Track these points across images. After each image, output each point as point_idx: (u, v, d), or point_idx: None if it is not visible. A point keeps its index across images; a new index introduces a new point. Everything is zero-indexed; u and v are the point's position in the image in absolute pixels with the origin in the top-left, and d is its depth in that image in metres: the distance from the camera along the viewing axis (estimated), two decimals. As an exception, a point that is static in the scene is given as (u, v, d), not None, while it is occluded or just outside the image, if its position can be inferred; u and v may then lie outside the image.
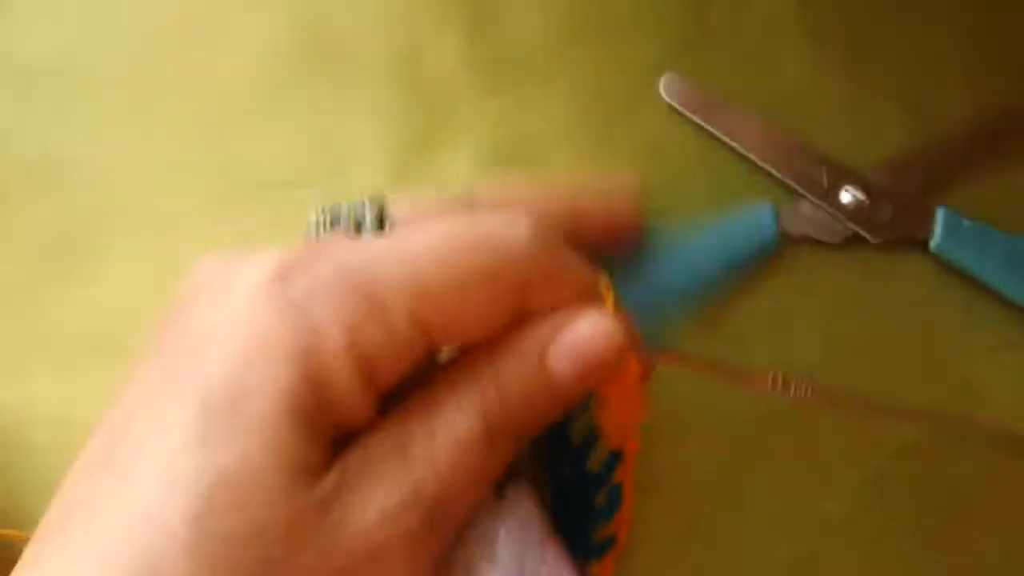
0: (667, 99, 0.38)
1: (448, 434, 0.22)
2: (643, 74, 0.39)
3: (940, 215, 0.35)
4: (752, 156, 0.37)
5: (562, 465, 0.27)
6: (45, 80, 0.39)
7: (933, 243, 0.35)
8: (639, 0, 0.40)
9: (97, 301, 0.36)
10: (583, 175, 0.36)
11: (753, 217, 0.36)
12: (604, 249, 0.29)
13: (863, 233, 0.36)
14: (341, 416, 0.21)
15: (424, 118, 0.38)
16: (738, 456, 0.34)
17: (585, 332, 0.24)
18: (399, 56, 0.39)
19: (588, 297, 0.25)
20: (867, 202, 0.36)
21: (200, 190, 0.38)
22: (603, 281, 0.25)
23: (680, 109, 0.38)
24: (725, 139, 0.37)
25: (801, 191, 0.36)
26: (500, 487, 0.25)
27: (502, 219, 0.24)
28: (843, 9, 0.40)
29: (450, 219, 0.24)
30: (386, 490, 0.21)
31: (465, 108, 0.38)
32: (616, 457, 0.27)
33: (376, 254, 0.23)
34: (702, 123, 0.38)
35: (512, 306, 0.23)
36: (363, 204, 0.26)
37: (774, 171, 0.37)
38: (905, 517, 0.34)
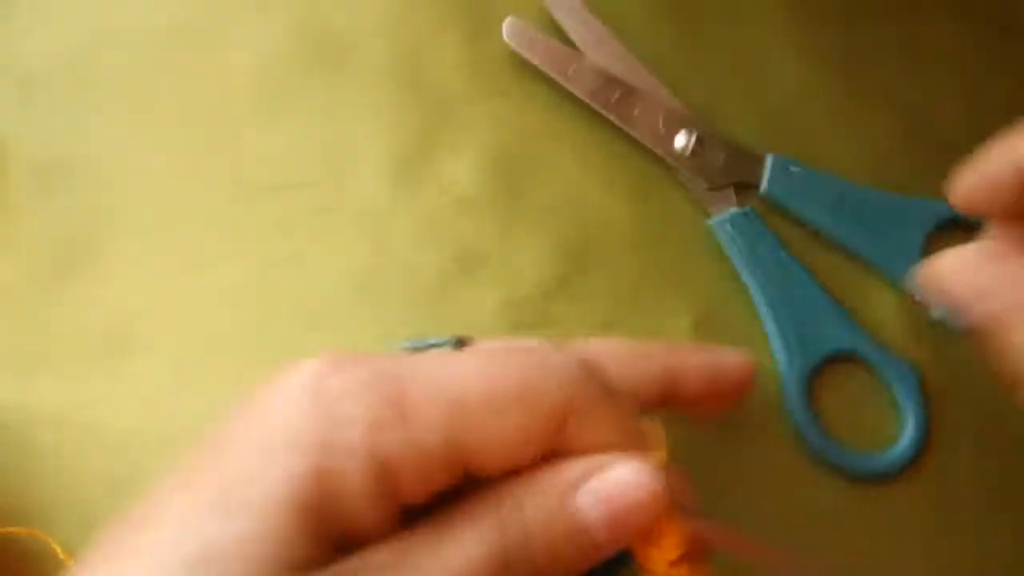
0: (510, 44, 0.38)
1: (455, 558, 0.21)
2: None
3: (769, 161, 0.37)
4: (591, 103, 0.38)
5: None
6: (49, 82, 0.39)
7: (762, 188, 0.37)
8: (635, 2, 0.40)
9: (101, 302, 0.37)
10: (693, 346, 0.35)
11: None
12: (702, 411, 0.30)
13: (695, 178, 0.37)
14: (351, 519, 0.21)
15: (425, 119, 0.38)
16: (734, 452, 0.34)
17: (620, 476, 0.23)
18: (400, 58, 0.39)
19: (633, 444, 0.24)
20: (699, 148, 0.37)
21: (203, 192, 0.38)
22: (656, 431, 0.24)
23: (523, 54, 0.38)
24: (563, 84, 0.38)
25: (635, 136, 0.38)
26: None
27: (547, 350, 0.24)
28: (837, 13, 0.40)
29: (497, 344, 0.24)
30: None
31: (466, 109, 0.39)
32: None
33: (416, 363, 0.23)
34: (546, 71, 0.38)
35: (548, 436, 0.23)
36: (449, 341, 0.26)
37: (611, 117, 0.38)
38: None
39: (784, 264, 0.36)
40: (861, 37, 0.40)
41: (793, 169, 0.37)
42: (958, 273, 0.26)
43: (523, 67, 0.38)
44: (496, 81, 0.39)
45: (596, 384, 0.24)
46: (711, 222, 0.37)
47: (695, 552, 0.24)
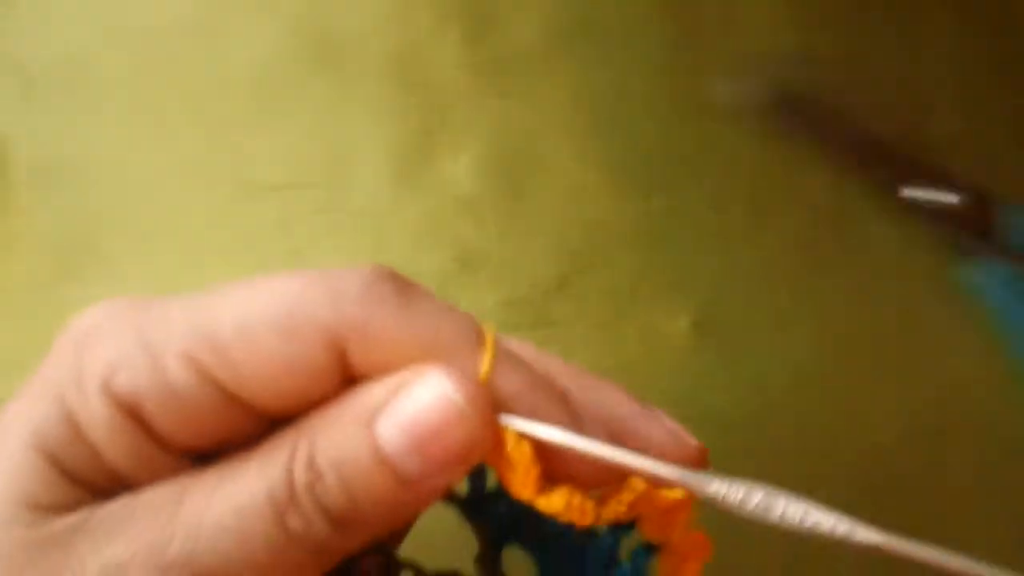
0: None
1: (233, 496, 0.19)
2: (638, 74, 0.39)
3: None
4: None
5: None
6: (49, 82, 0.39)
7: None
8: (637, 0, 0.40)
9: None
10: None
11: None
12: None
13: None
14: (106, 463, 0.20)
15: (425, 118, 0.38)
16: (736, 453, 0.34)
17: (420, 396, 0.20)
18: (399, 57, 0.39)
19: (447, 354, 0.20)
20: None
21: (204, 192, 0.38)
22: (485, 331, 0.21)
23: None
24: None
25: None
26: None
27: (335, 271, 0.21)
28: (838, 10, 0.40)
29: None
30: (120, 543, 0.19)
31: (466, 108, 0.39)
32: None
33: (176, 299, 0.21)
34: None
35: (326, 364, 0.20)
36: None
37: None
38: None
39: None
40: None
41: None
42: None
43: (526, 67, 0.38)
44: (496, 81, 0.39)
45: (388, 292, 0.20)
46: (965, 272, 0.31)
47: (563, 469, 0.21)
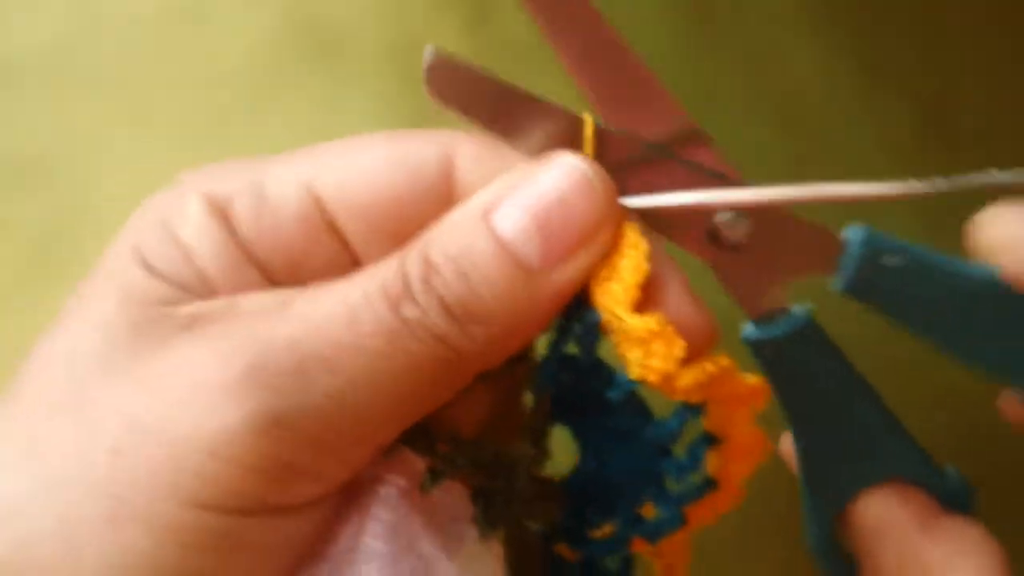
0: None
1: (337, 293, 0.18)
2: (646, 63, 0.38)
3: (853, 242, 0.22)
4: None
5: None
6: (33, 75, 0.38)
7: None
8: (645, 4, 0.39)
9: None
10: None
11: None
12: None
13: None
14: (199, 266, 0.19)
15: (421, 111, 0.38)
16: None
17: (547, 176, 0.18)
18: (395, 48, 0.39)
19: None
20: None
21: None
22: (586, 120, 0.20)
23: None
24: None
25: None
26: (433, 477, 0.20)
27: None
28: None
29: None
30: (230, 330, 0.18)
31: (463, 100, 0.38)
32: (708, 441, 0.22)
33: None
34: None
35: (431, 173, 0.20)
36: None
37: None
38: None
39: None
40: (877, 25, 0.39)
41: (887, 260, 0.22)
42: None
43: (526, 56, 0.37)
44: (495, 70, 0.38)
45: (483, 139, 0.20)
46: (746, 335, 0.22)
47: (673, 306, 0.19)
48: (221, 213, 0.20)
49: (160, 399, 0.17)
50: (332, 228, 0.20)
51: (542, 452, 0.22)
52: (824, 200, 0.20)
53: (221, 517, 0.17)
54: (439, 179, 0.20)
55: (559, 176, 0.19)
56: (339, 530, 0.20)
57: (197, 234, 0.19)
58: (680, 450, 0.22)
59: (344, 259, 0.20)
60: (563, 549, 0.24)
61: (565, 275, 0.19)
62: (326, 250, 0.20)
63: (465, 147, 0.20)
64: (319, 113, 0.38)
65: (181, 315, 0.19)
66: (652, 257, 0.19)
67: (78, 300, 0.20)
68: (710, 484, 0.22)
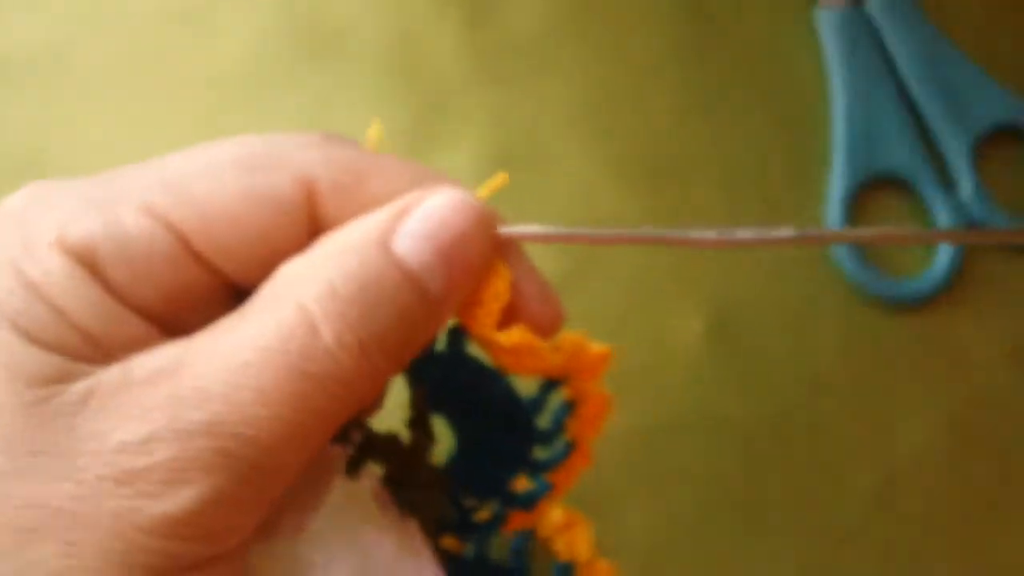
0: None
1: (234, 349, 0.18)
2: (645, 63, 0.37)
3: None
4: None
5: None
6: (29, 71, 0.38)
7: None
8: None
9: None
10: None
11: None
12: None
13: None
14: (72, 321, 0.18)
15: (422, 109, 0.37)
16: (752, 462, 0.33)
17: (442, 204, 0.19)
18: (396, 45, 0.38)
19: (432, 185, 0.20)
20: None
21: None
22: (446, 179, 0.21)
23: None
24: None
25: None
26: (354, 463, 0.22)
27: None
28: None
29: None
30: (134, 418, 0.17)
31: (464, 98, 0.37)
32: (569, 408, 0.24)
33: (114, 171, 0.20)
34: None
35: (295, 199, 0.19)
36: None
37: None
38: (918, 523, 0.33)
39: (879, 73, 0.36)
40: None
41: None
42: None
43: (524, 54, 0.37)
44: (497, 69, 0.37)
45: (349, 142, 0.20)
46: (820, 11, 0.37)
47: (530, 308, 0.21)
48: (86, 262, 0.18)
49: (91, 490, 0.17)
50: (201, 262, 0.19)
51: (430, 439, 0.23)
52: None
53: None
54: (301, 211, 0.19)
55: (456, 208, 0.19)
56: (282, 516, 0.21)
57: (67, 292, 0.18)
58: (543, 421, 0.24)
59: (219, 284, 0.20)
60: (450, 542, 0.27)
61: (458, 299, 0.20)
62: (201, 281, 0.19)
63: (323, 174, 0.20)
64: (318, 111, 0.37)
65: (76, 392, 0.18)
66: (510, 268, 0.21)
67: None
68: (570, 447, 0.25)
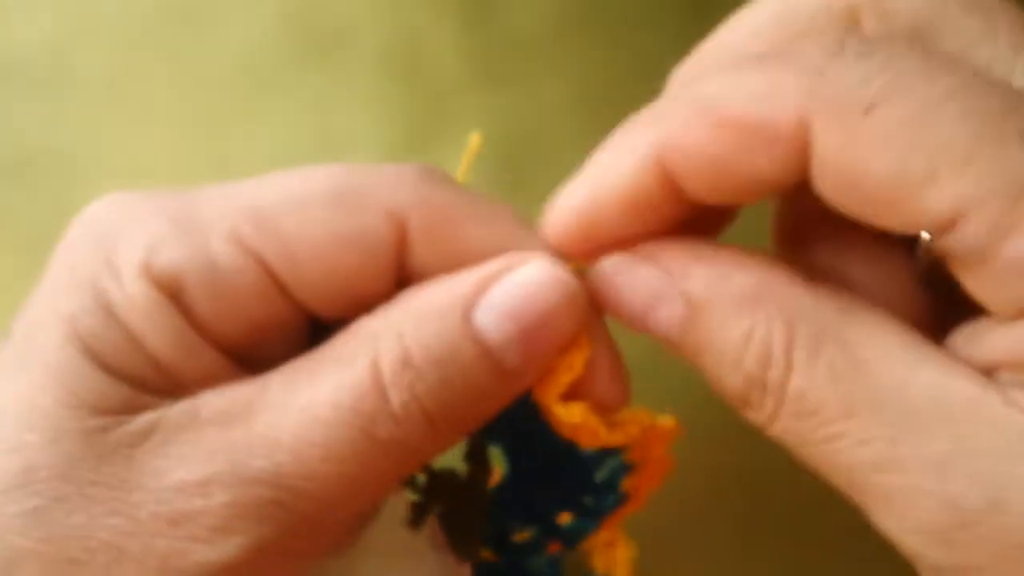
0: None
1: (308, 403, 0.18)
2: (645, 63, 0.38)
3: None
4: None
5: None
6: (30, 73, 0.38)
7: None
8: (644, -14, 0.39)
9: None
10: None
11: None
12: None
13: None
14: (146, 350, 0.18)
15: (422, 110, 0.37)
16: (754, 459, 0.33)
17: (528, 278, 0.18)
18: (395, 47, 0.38)
19: (525, 246, 0.19)
20: None
21: (191, 185, 0.37)
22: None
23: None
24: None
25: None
26: (419, 511, 0.22)
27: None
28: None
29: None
30: (196, 458, 0.17)
31: (464, 100, 0.37)
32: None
33: (209, 187, 0.20)
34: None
35: (387, 243, 0.19)
36: None
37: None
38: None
39: None
40: None
41: None
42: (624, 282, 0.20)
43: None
44: (496, 70, 0.38)
45: (446, 178, 0.20)
46: None
47: (598, 385, 0.21)
48: (171, 291, 0.18)
49: (142, 527, 0.17)
50: (286, 296, 0.19)
51: (487, 471, 0.23)
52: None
53: None
54: (390, 254, 0.19)
55: (543, 283, 0.19)
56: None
57: (147, 320, 0.18)
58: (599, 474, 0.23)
59: (300, 318, 0.20)
60: (486, 553, 0.26)
61: (535, 374, 0.19)
62: (283, 315, 0.19)
63: (416, 218, 0.19)
64: (316, 112, 0.38)
65: (140, 424, 0.18)
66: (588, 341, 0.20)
67: (14, 387, 0.18)
68: (623, 498, 0.24)
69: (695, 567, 0.33)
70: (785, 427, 0.18)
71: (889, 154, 0.16)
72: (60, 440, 0.17)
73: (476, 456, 0.23)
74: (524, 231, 0.20)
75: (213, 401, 0.18)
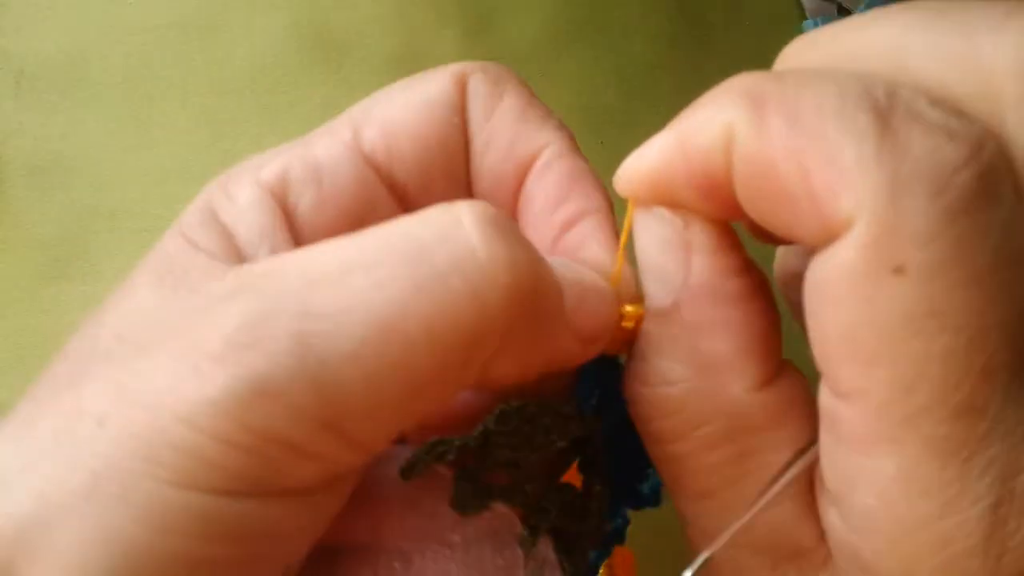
0: None
1: (355, 241, 0.17)
2: (640, 71, 0.38)
3: None
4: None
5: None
6: (44, 80, 0.39)
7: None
8: (639, -2, 0.40)
9: (98, 301, 0.36)
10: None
11: None
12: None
13: None
14: (240, 248, 0.19)
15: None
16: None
17: (595, 293, 0.20)
18: (398, 56, 0.39)
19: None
20: None
21: (199, 191, 0.37)
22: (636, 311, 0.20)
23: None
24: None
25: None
26: (532, 533, 0.19)
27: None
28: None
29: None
30: (269, 294, 0.16)
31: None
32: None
33: None
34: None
35: (455, 103, 0.21)
36: None
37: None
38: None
39: None
40: None
41: None
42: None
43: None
44: (497, 78, 0.38)
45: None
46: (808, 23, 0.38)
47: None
48: (275, 193, 0.19)
49: (151, 364, 0.16)
50: (389, 183, 0.20)
51: (606, 484, 0.21)
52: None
53: (208, 498, 0.15)
54: (457, 116, 0.21)
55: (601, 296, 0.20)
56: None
57: (240, 217, 0.19)
58: None
59: (395, 207, 0.21)
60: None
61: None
62: (379, 198, 0.20)
63: (474, 83, 0.21)
64: (326, 118, 0.37)
65: (234, 275, 0.17)
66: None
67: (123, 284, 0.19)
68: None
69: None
70: None
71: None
72: (134, 296, 0.18)
73: (592, 469, 0.21)
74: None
75: (274, 258, 0.18)
